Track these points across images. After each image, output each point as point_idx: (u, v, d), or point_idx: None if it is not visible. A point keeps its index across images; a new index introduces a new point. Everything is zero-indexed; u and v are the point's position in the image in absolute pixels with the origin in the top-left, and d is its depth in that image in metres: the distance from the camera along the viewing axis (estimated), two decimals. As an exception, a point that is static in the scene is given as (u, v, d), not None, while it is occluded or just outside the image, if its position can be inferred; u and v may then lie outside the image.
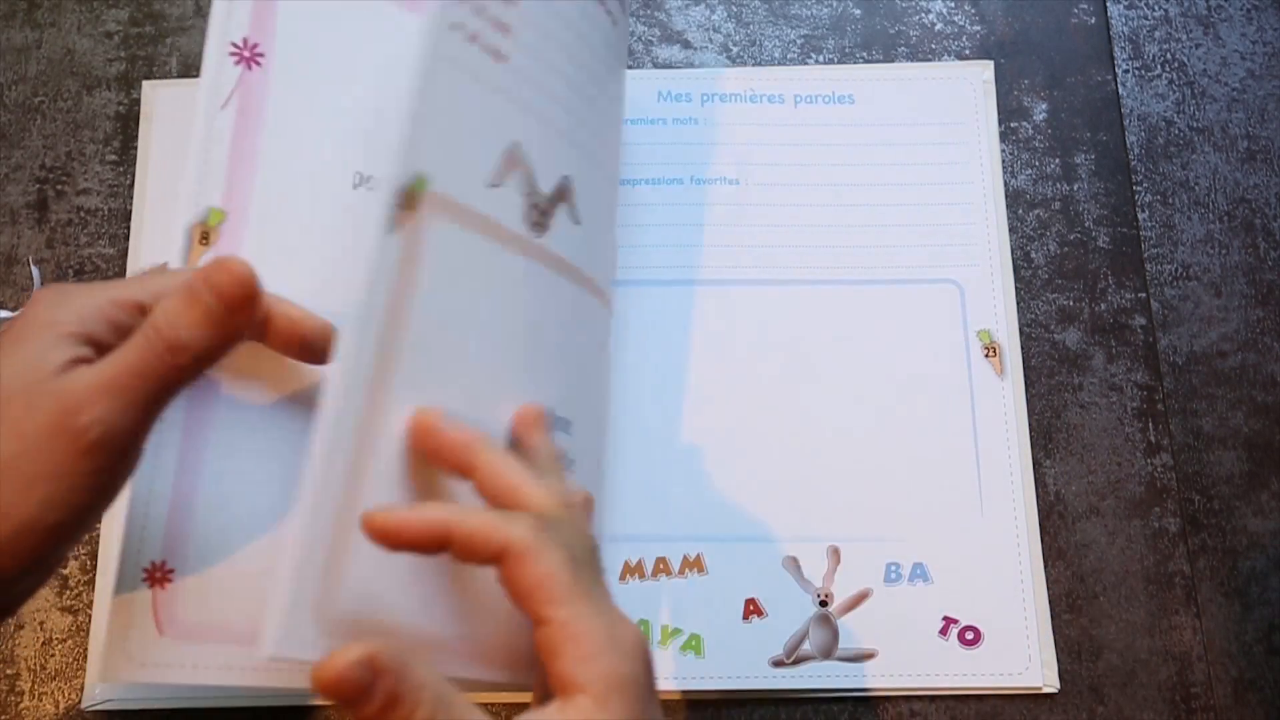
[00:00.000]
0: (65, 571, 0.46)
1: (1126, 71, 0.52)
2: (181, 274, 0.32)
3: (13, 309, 0.48)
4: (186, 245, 0.37)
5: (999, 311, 0.48)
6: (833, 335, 0.48)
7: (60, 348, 0.29)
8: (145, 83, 0.52)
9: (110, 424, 0.29)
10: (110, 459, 0.29)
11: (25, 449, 0.28)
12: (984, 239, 0.49)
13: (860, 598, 0.44)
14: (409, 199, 0.31)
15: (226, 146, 0.38)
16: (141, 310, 0.31)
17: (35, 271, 0.48)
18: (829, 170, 0.50)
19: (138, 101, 0.52)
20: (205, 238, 0.37)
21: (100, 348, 0.30)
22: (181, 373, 0.30)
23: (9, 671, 0.45)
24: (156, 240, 0.49)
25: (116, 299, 0.30)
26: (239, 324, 0.30)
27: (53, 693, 0.44)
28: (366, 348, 0.30)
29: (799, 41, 0.53)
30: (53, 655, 0.45)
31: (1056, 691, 0.44)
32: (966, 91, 0.51)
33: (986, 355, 0.48)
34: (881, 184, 0.50)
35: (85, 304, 0.30)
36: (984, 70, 0.52)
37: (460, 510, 0.29)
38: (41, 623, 0.45)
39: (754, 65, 0.52)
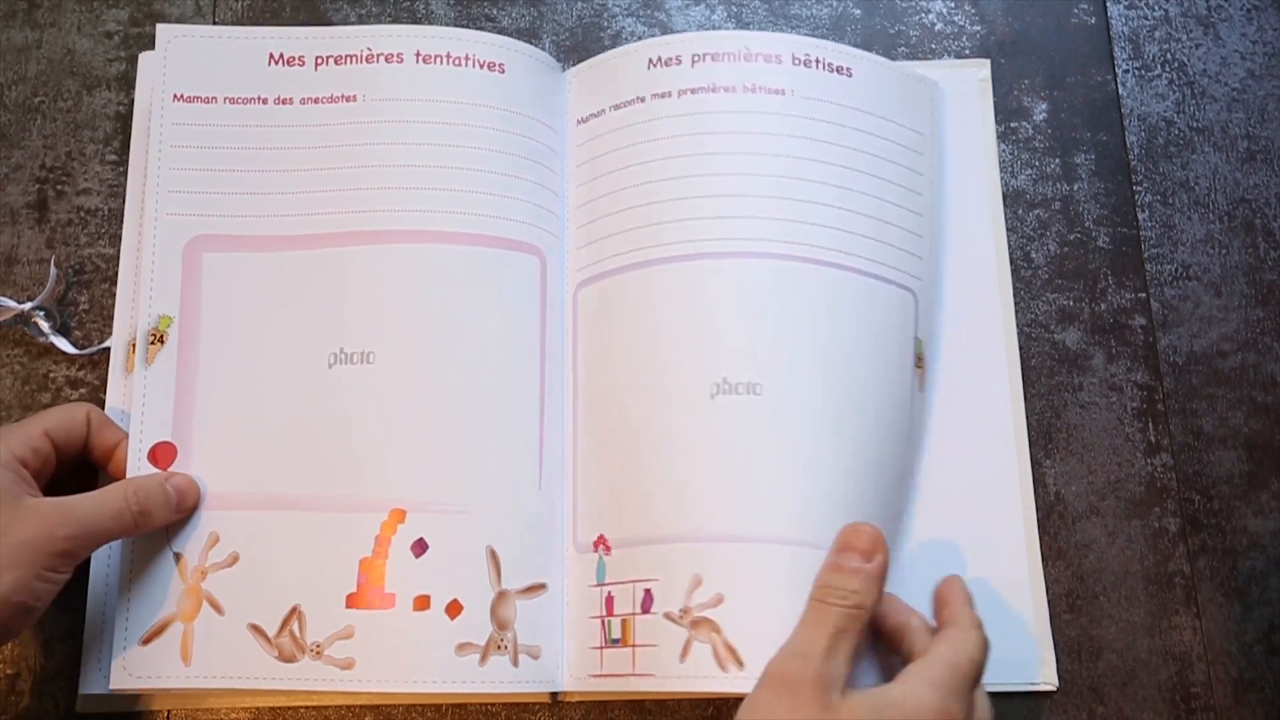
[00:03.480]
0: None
1: (1126, 71, 0.52)
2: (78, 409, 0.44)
3: (18, 301, 0.48)
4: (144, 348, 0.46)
5: (936, 324, 0.47)
6: (787, 318, 0.44)
7: (15, 471, 0.40)
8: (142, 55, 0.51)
9: (77, 544, 0.40)
10: (71, 564, 0.40)
11: (5, 546, 0.38)
12: (929, 244, 0.47)
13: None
14: (156, 335, 0.46)
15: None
16: (48, 437, 0.42)
17: (54, 272, 0.48)
18: (816, 146, 0.46)
19: (138, 101, 0.52)
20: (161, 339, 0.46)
21: (27, 466, 0.41)
22: (139, 530, 0.42)
23: (9, 672, 0.45)
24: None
25: (33, 433, 0.42)
26: (189, 513, 0.44)
27: (53, 693, 0.44)
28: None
29: (799, 41, 0.53)
30: (53, 655, 0.45)
31: (1055, 690, 0.44)
32: (960, 91, 0.51)
33: (916, 364, 0.46)
34: (863, 172, 0.47)
35: (16, 438, 0.41)
36: (980, 69, 0.52)
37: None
38: (42, 623, 0.45)
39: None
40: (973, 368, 0.48)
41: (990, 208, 0.50)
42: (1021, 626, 0.44)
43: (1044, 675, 0.44)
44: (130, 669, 0.43)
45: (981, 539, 0.45)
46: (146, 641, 0.43)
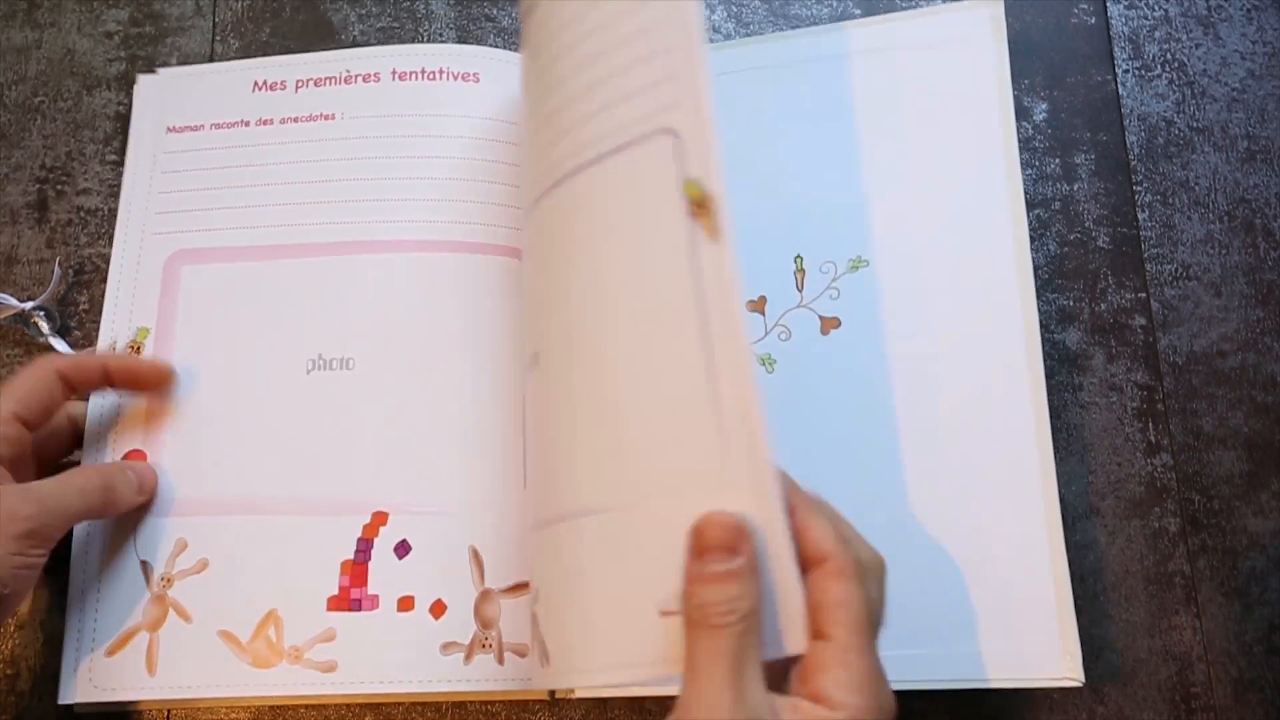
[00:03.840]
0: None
1: (1126, 71, 0.52)
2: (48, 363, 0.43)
3: (19, 300, 0.48)
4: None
5: (714, 158, 0.33)
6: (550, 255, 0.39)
7: None
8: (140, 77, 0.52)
9: (41, 523, 0.39)
10: (39, 546, 0.39)
11: None
12: (685, 58, 0.34)
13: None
14: (134, 347, 0.47)
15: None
16: (16, 416, 0.41)
17: (57, 273, 0.48)
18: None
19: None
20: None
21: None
22: (108, 510, 0.42)
23: (9, 672, 0.45)
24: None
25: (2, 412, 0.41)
26: (150, 495, 0.44)
27: (52, 692, 0.44)
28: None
29: (799, 41, 0.53)
30: (52, 655, 0.45)
31: (1081, 684, 0.41)
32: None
33: (694, 214, 0.33)
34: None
35: None
36: (993, 6, 0.48)
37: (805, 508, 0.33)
38: (41, 622, 0.45)
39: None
40: (990, 357, 0.45)
41: (1005, 166, 0.46)
42: (1044, 621, 0.42)
43: (1068, 669, 0.41)
44: (96, 681, 0.43)
45: (1003, 532, 0.44)
46: (112, 653, 0.43)
